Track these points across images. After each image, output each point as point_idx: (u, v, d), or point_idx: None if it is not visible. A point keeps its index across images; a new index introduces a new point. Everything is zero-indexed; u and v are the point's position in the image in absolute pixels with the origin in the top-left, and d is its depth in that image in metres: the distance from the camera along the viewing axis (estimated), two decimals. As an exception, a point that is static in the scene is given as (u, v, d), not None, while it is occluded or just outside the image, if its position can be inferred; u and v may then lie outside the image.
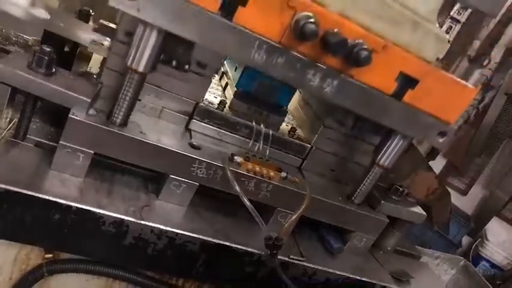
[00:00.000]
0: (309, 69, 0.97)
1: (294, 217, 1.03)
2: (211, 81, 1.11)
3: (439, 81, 1.06)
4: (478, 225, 4.04)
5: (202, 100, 1.13)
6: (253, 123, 1.17)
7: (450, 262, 2.66)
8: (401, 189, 1.30)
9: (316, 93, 1.01)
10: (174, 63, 1.04)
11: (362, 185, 1.22)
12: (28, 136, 1.02)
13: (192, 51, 1.04)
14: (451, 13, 3.34)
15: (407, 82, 1.04)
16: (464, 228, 3.93)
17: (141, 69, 0.94)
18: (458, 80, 1.08)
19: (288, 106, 1.30)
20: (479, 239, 3.98)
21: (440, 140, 1.13)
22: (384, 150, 1.17)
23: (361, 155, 1.29)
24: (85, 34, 1.16)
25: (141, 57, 0.93)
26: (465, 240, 4.09)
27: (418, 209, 1.33)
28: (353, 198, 1.23)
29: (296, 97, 1.43)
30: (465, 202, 4.12)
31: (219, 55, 1.08)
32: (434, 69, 1.05)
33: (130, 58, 0.93)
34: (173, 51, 1.02)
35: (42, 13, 1.18)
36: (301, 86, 1.07)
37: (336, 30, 0.93)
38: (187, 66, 1.05)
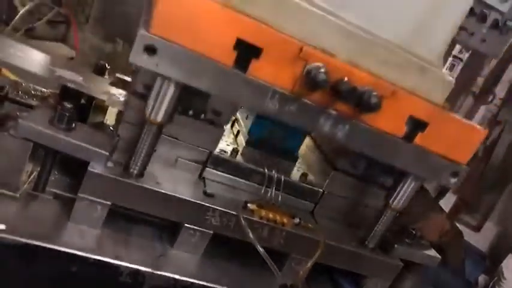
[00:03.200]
0: (320, 115, 1.00)
1: (309, 264, 1.03)
2: (224, 130, 1.15)
3: (448, 123, 1.08)
4: (494, 262, 3.95)
5: (216, 149, 1.16)
6: (265, 170, 1.20)
7: (467, 303, 2.59)
8: (414, 232, 1.30)
9: (329, 137, 1.03)
10: (190, 112, 1.07)
11: (375, 229, 1.22)
12: (47, 189, 1.05)
13: (208, 101, 1.07)
14: (454, 52, 3.41)
15: (417, 125, 1.06)
16: (480, 266, 3.84)
17: (159, 119, 0.97)
18: (467, 121, 1.11)
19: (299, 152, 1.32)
20: (496, 278, 3.88)
21: (453, 181, 1.13)
22: (397, 192, 1.18)
23: (374, 198, 1.30)
24: (102, 88, 1.21)
25: (160, 109, 0.96)
26: (481, 279, 3.99)
27: (432, 252, 1.32)
28: (366, 242, 1.24)
29: (306, 142, 1.46)
30: (479, 239, 4.05)
31: (234, 105, 1.11)
32: (443, 111, 1.07)
33: (149, 110, 0.96)
34: (189, 101, 1.06)
35: (62, 72, 1.23)
36: (314, 131, 1.08)
37: (345, 78, 0.96)
38: (202, 116, 1.09)
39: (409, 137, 1.07)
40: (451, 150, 1.10)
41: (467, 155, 1.12)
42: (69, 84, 1.15)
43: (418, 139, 1.08)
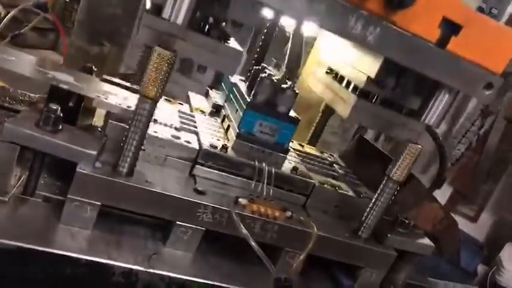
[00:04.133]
0: (350, 15, 0.97)
1: (301, 257, 1.03)
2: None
3: (483, 27, 1.04)
4: (492, 252, 3.96)
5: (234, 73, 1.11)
6: (256, 163, 1.20)
7: (466, 293, 2.60)
8: (407, 221, 1.30)
9: (360, 42, 1.00)
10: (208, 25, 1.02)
11: (369, 216, 1.22)
12: (37, 192, 1.04)
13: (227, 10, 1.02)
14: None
15: (450, 28, 1.03)
16: (478, 256, 3.86)
17: (179, 21, 0.95)
18: (504, 26, 1.06)
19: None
20: (495, 267, 3.89)
21: (487, 93, 1.09)
22: (429, 109, 1.18)
23: (400, 129, 1.25)
24: (95, 87, 1.20)
25: (179, 10, 0.94)
26: (480, 268, 4.00)
27: (425, 240, 1.32)
28: (360, 233, 1.24)
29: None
30: (476, 229, 4.06)
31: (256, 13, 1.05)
32: (478, 14, 1.04)
33: (168, 12, 0.94)
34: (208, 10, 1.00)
35: (55, 73, 1.22)
36: (344, 35, 1.00)
37: None
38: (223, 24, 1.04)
39: (442, 41, 1.03)
40: (486, 57, 1.06)
41: (502, 63, 1.07)
42: (62, 85, 1.14)
43: (452, 45, 1.04)
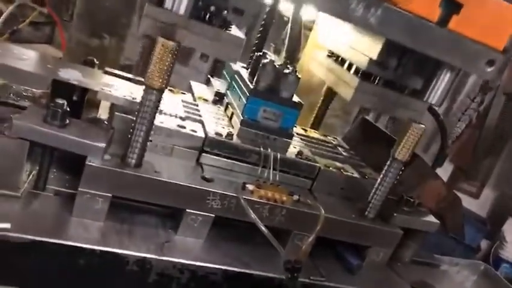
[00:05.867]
0: None
1: (310, 239, 1.05)
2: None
3: (484, 4, 1.04)
4: (495, 227, 4.01)
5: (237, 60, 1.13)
6: (261, 149, 1.21)
7: (470, 268, 2.62)
8: (412, 200, 1.33)
9: (361, 24, 1.00)
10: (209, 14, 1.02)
11: (375, 196, 1.24)
12: (47, 186, 1.06)
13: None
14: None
15: (451, 7, 1.03)
16: (481, 232, 3.90)
17: (181, 12, 0.95)
18: (504, 2, 1.07)
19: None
20: (498, 242, 3.94)
21: (489, 70, 1.10)
22: (431, 88, 1.19)
23: (402, 109, 1.27)
24: (101, 81, 1.21)
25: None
26: (484, 244, 4.05)
27: (430, 218, 1.35)
28: (366, 213, 1.26)
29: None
30: (478, 205, 4.10)
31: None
32: None
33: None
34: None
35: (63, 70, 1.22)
36: (345, 18, 1.01)
37: None
38: (225, 12, 1.04)
39: (443, 20, 1.03)
40: (487, 35, 1.06)
41: (503, 39, 1.08)
42: (74, 82, 1.14)
43: (453, 24, 1.04)
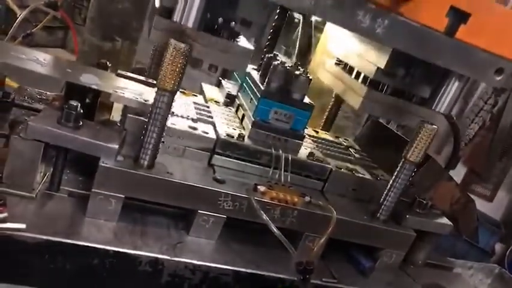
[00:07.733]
0: (358, 9, 0.98)
1: (322, 240, 1.05)
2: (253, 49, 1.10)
3: (492, 13, 1.04)
4: (509, 230, 3.95)
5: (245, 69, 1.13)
6: (273, 150, 1.21)
7: (485, 271, 2.59)
8: (424, 201, 1.31)
9: (369, 35, 1.01)
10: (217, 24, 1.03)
11: (387, 197, 1.22)
12: (61, 187, 1.07)
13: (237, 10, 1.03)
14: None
15: (458, 16, 1.02)
16: (495, 235, 3.85)
17: (190, 24, 0.96)
18: (511, 10, 1.06)
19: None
20: (513, 245, 3.88)
21: (498, 78, 1.09)
22: (439, 97, 1.18)
23: (409, 118, 1.27)
24: (117, 84, 1.22)
25: (190, 13, 0.95)
26: (498, 247, 4.00)
27: (444, 220, 1.33)
28: (378, 214, 1.25)
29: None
30: (493, 208, 4.05)
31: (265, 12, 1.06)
32: (485, 1, 1.04)
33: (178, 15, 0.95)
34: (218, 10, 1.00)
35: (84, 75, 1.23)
36: (353, 28, 1.02)
37: None
38: (233, 23, 1.05)
39: (451, 30, 1.03)
40: (496, 43, 1.06)
41: None
42: (92, 86, 1.16)
43: (460, 33, 1.04)
